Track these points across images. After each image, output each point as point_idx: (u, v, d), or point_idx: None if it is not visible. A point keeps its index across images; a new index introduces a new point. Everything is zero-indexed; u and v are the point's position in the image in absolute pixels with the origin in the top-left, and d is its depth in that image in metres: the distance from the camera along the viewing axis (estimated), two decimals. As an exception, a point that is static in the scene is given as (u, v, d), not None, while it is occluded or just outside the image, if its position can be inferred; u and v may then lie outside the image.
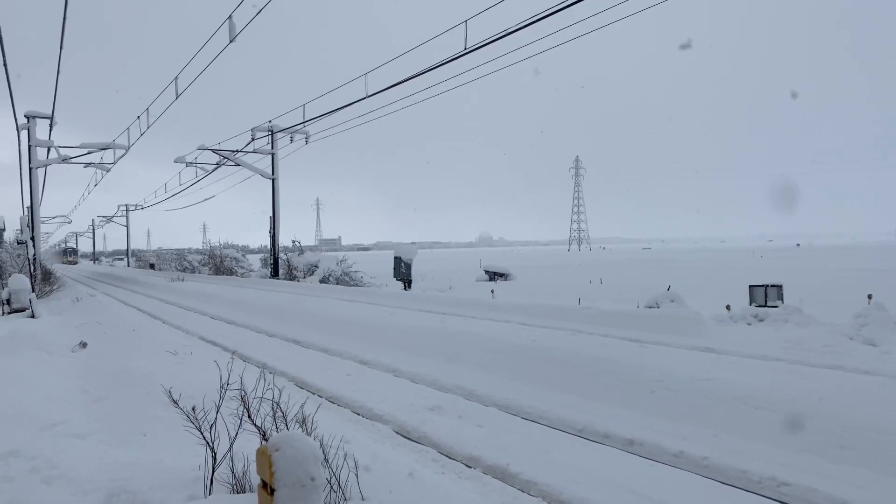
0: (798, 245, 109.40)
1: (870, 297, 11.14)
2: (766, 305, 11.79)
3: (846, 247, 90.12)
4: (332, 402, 7.16)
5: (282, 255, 30.32)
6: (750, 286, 12.57)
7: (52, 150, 24.87)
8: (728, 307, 11.79)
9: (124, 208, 70.07)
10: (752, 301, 12.25)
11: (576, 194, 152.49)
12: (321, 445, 3.67)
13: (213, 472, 3.81)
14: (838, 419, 5.27)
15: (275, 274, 29.51)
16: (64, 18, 10.94)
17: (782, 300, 12.01)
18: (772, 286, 12.18)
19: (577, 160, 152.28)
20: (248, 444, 3.83)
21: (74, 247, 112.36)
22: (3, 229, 48.60)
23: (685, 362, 7.31)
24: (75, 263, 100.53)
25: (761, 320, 10.69)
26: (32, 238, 24.03)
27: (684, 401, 6.21)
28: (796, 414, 5.49)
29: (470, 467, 5.01)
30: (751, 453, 5.03)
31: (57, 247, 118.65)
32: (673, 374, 6.74)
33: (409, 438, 5.78)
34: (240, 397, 3.85)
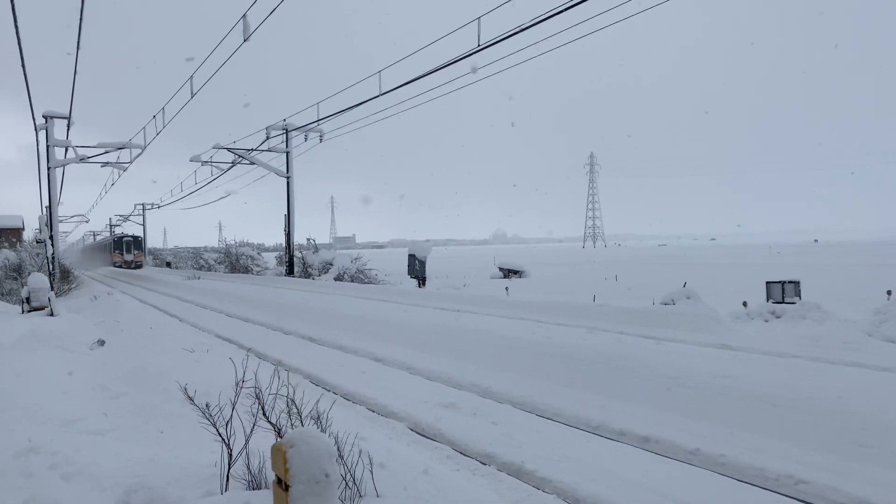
0: (816, 241, 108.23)
1: (889, 293, 11.01)
2: (783, 302, 11.67)
3: (862, 242, 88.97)
4: (347, 400, 7.19)
5: (297, 253, 30.45)
6: (767, 282, 12.44)
7: (70, 149, 25.14)
8: (745, 304, 11.70)
9: (140, 207, 70.64)
10: (769, 297, 12.13)
11: (590, 191, 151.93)
12: (336, 442, 3.69)
13: (229, 468, 3.84)
14: (857, 417, 5.21)
15: (290, 272, 29.63)
16: (80, 19, 11.03)
17: (800, 296, 11.87)
18: (789, 282, 12.05)
19: (591, 157, 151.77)
20: (264, 440, 3.86)
21: (137, 235, 63.62)
22: (23, 228, 49.27)
23: (701, 359, 7.25)
24: (140, 266, 57.98)
25: (778, 317, 10.61)
26: (51, 237, 24.33)
27: (700, 398, 6.16)
28: (814, 411, 5.43)
29: (485, 464, 5.01)
30: (768, 451, 4.99)
31: (87, 239, 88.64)
32: (689, 372, 6.70)
33: (423, 436, 5.79)
34: (255, 394, 3.88)
